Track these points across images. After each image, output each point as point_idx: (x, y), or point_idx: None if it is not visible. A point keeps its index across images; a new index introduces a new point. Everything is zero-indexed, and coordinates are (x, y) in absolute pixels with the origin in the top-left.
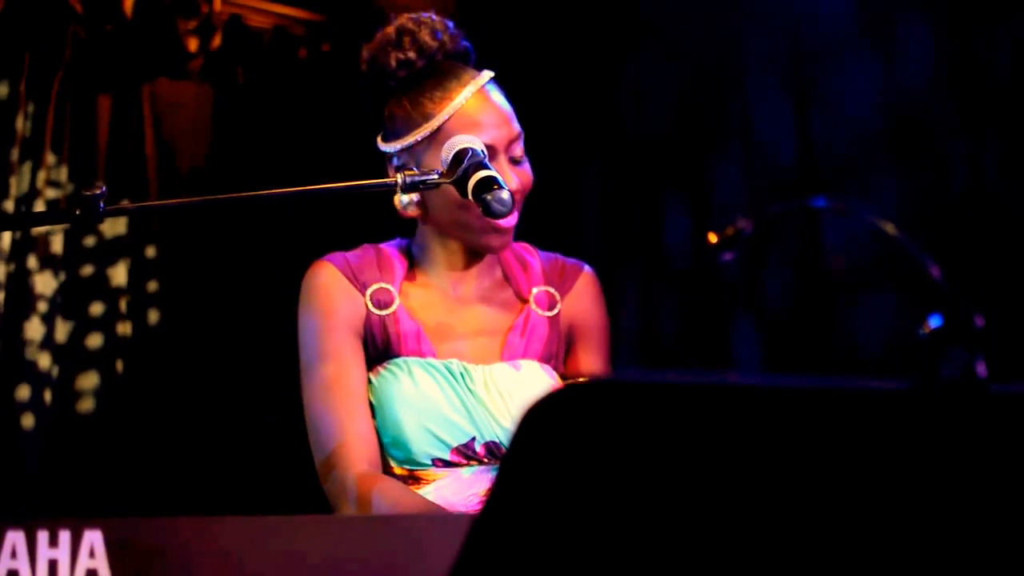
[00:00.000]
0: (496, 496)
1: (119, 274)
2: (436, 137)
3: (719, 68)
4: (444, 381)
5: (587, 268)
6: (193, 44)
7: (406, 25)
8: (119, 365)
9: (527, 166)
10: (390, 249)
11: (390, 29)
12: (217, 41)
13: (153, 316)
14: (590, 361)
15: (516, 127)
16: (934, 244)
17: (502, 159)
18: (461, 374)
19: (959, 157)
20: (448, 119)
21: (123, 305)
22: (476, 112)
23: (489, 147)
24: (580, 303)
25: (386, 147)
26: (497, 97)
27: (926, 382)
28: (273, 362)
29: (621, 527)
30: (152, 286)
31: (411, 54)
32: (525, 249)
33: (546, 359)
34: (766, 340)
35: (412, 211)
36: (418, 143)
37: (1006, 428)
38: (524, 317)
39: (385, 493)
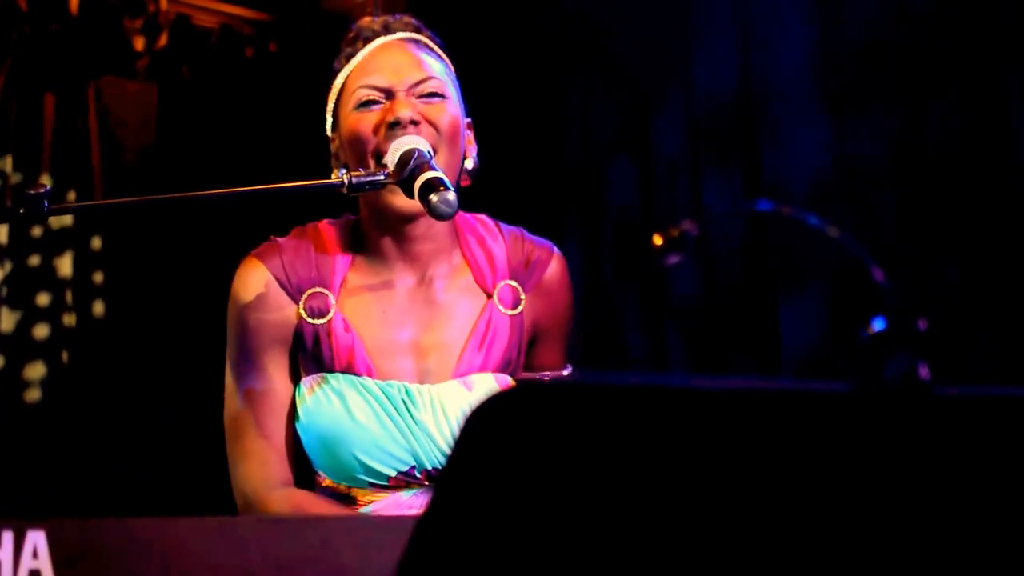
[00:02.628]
0: (441, 495)
1: (65, 265)
2: (341, 96)
3: (664, 91)
4: (382, 410)
5: (555, 252)
6: (139, 43)
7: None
8: (65, 356)
9: (442, 103)
10: (332, 234)
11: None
12: (163, 40)
13: (98, 307)
14: (549, 355)
15: (425, 72)
16: (877, 215)
17: (401, 96)
18: (403, 401)
19: (906, 124)
20: (349, 74)
21: (69, 296)
22: (371, 59)
23: (386, 90)
24: (546, 298)
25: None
26: (406, 48)
27: (869, 384)
28: (219, 354)
29: (564, 528)
30: (98, 277)
31: (351, 36)
32: (485, 228)
33: (504, 366)
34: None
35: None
36: (333, 107)
37: (948, 431)
38: (486, 321)
39: (305, 509)
